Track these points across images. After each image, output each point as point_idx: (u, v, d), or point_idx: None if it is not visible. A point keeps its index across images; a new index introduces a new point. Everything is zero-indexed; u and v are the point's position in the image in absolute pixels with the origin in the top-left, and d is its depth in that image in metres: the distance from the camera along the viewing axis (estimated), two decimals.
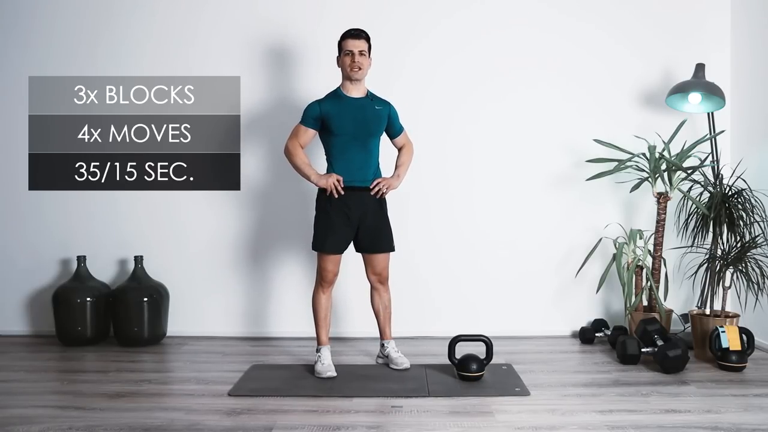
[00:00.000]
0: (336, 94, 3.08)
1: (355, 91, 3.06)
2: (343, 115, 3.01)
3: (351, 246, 3.14)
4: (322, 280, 3.09)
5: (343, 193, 3.00)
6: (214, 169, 3.85)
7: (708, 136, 3.59)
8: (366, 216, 3.07)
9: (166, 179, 3.86)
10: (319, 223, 3.08)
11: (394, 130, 3.21)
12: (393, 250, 3.17)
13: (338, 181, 2.99)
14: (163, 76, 3.84)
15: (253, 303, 3.87)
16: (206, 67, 3.83)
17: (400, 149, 3.26)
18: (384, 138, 3.19)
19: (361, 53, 3.00)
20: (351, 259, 3.23)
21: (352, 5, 3.80)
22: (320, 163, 3.22)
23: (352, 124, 3.02)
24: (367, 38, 3.05)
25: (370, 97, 3.11)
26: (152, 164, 3.86)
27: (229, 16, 3.83)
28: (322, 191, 3.07)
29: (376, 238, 3.10)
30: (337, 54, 3.09)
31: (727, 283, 3.41)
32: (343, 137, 3.03)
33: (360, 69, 3.01)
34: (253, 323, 3.86)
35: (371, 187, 3.06)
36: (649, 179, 3.53)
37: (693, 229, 3.56)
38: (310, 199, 3.71)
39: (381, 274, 3.17)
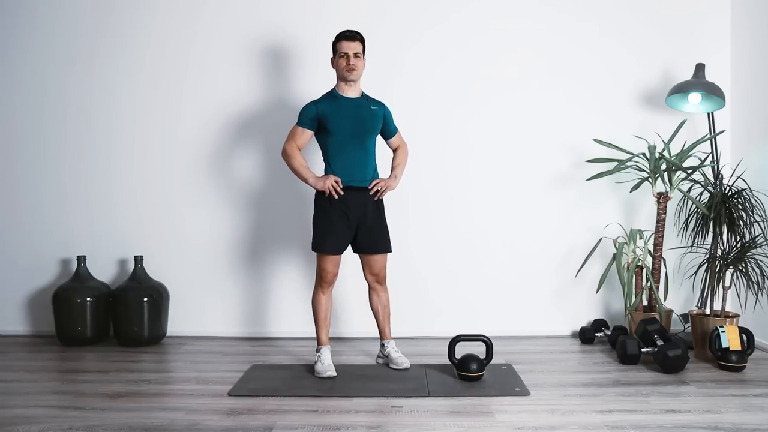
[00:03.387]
0: (332, 95, 3.09)
1: (351, 92, 3.08)
2: (339, 115, 3.02)
3: (349, 246, 3.15)
4: (322, 281, 3.09)
5: (342, 193, 3.00)
6: (214, 169, 3.85)
7: (708, 136, 3.59)
8: (365, 216, 3.07)
9: (166, 179, 3.86)
10: (318, 224, 3.08)
11: (389, 131, 3.22)
12: (390, 251, 3.17)
13: (336, 182, 2.99)
14: (162, 76, 3.83)
15: (253, 303, 3.87)
16: (206, 68, 3.83)
17: (395, 150, 3.28)
18: (379, 140, 3.20)
19: (356, 55, 3.02)
20: (350, 260, 3.23)
21: (351, 5, 3.80)
22: (317, 164, 3.21)
23: (350, 123, 3.02)
24: (362, 40, 3.06)
25: (365, 97, 3.13)
26: (152, 164, 3.86)
27: (229, 18, 3.82)
28: (321, 192, 3.07)
29: (374, 239, 3.11)
30: (331, 55, 3.10)
31: (727, 283, 3.41)
32: (341, 136, 3.03)
33: (355, 70, 3.02)
34: (253, 323, 3.86)
35: (370, 188, 3.06)
36: (649, 179, 3.53)
37: (693, 229, 3.56)
38: (309, 199, 3.72)
39: (378, 274, 3.17)
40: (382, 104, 3.18)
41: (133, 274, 3.70)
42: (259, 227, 3.86)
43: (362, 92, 3.13)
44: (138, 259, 3.70)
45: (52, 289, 3.73)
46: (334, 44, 3.07)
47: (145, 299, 3.60)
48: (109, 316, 3.69)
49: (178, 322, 3.83)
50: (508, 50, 3.84)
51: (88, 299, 3.61)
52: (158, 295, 3.67)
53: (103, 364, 3.29)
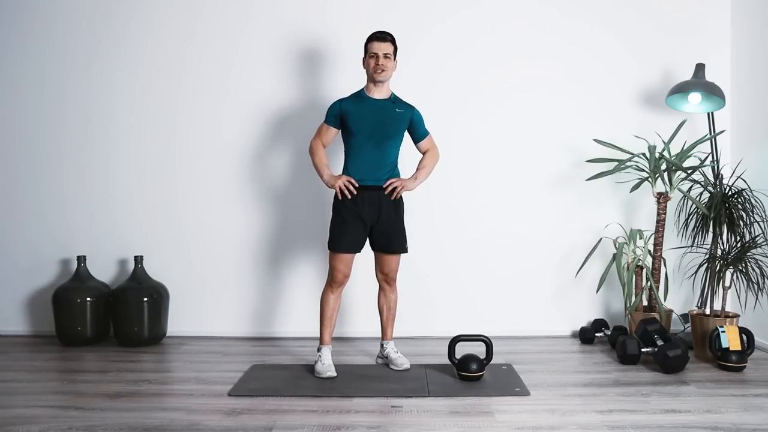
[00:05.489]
0: (358, 94, 3.11)
1: (378, 93, 3.08)
2: (360, 115, 3.03)
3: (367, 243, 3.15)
4: (333, 280, 3.09)
5: (355, 193, 3.01)
6: (214, 169, 3.85)
7: (708, 136, 3.59)
8: (380, 215, 3.07)
9: (167, 179, 3.86)
10: (333, 223, 3.10)
11: (417, 134, 3.22)
12: (405, 251, 3.18)
13: (349, 181, 3.01)
14: (164, 75, 3.83)
15: (253, 303, 3.87)
16: (204, 67, 3.83)
17: (424, 153, 3.27)
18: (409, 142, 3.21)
19: (385, 56, 3.02)
20: (360, 259, 3.22)
21: (354, 5, 3.80)
22: (340, 162, 3.22)
23: (369, 125, 3.04)
24: (393, 41, 3.07)
25: (393, 99, 3.13)
26: (153, 164, 3.86)
27: (226, 16, 3.82)
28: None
29: (388, 239, 3.11)
30: (363, 55, 3.10)
31: (727, 283, 3.41)
32: (359, 136, 3.05)
33: (383, 71, 3.02)
34: (254, 323, 3.86)
35: (384, 186, 3.07)
36: (649, 179, 3.53)
37: (693, 229, 3.56)
38: (310, 199, 3.74)
39: (388, 274, 3.18)
40: (412, 107, 3.17)
41: (133, 274, 3.70)
42: (259, 227, 3.86)
43: (392, 94, 3.13)
44: (138, 259, 3.70)
45: (52, 289, 3.73)
46: (366, 44, 3.07)
47: (145, 299, 3.60)
48: (109, 316, 3.69)
49: (178, 322, 3.82)
50: (510, 52, 3.84)
51: (88, 299, 3.61)
52: (158, 295, 3.67)
53: (103, 364, 3.29)
